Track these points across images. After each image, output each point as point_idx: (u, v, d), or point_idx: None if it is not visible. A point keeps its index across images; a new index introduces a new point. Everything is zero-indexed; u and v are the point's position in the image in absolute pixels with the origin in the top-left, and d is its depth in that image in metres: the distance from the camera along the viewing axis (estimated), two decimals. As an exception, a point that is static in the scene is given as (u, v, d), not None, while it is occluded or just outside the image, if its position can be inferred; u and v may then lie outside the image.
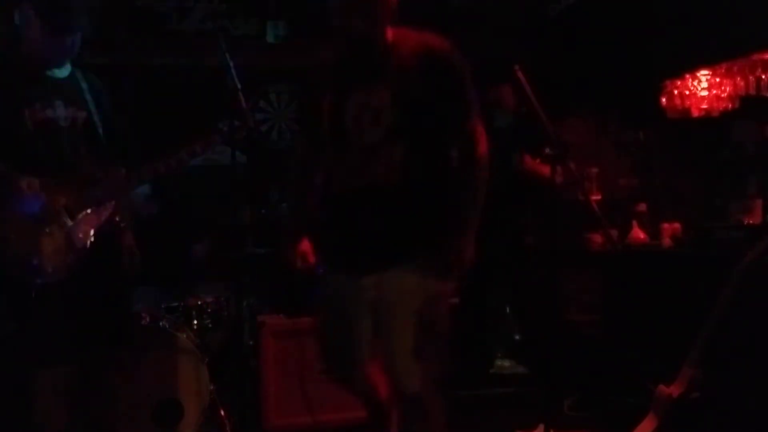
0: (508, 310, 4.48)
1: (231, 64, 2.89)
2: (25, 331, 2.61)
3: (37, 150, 2.61)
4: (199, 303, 3.76)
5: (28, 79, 2.66)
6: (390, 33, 2.33)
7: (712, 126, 4.77)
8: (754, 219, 4.26)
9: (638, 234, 4.48)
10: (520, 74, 3.05)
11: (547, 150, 3.62)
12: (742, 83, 4.36)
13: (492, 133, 4.02)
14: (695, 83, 4.55)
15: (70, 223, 2.66)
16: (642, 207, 4.70)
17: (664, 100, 4.74)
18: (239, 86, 2.85)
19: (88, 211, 2.70)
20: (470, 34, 5.24)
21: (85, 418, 2.73)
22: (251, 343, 3.68)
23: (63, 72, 2.75)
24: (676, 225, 4.43)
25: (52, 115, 2.65)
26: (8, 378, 2.78)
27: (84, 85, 2.79)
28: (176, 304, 3.70)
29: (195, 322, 3.70)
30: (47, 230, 2.62)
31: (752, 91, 4.34)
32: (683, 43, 3.93)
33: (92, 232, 2.70)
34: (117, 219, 2.81)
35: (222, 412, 3.49)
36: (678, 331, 3.07)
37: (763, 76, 4.26)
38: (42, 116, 2.63)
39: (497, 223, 3.88)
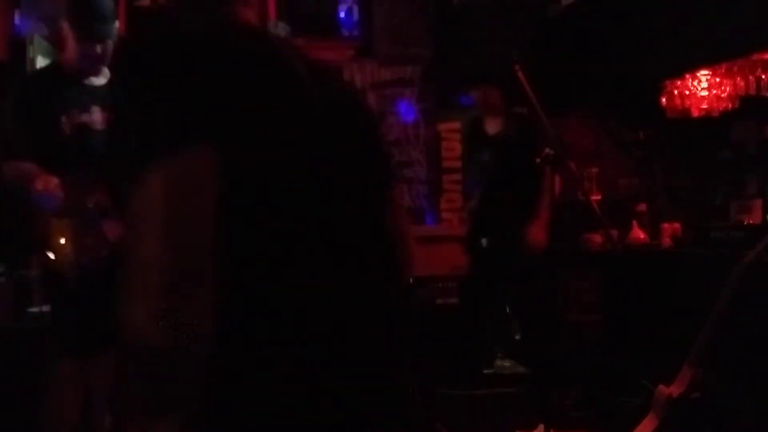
0: (508, 310, 4.48)
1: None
2: (59, 321, 2.79)
3: (73, 152, 2.78)
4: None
5: (66, 88, 2.84)
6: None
7: (712, 126, 4.77)
8: (754, 219, 4.26)
9: (638, 234, 4.48)
10: (520, 74, 3.04)
11: (547, 150, 3.61)
12: (742, 83, 4.36)
13: (485, 143, 4.02)
14: (695, 83, 4.55)
15: (102, 218, 2.80)
16: (642, 207, 4.70)
17: (664, 100, 4.74)
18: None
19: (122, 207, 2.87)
20: (470, 34, 5.25)
21: (89, 416, 2.83)
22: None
23: (101, 80, 2.91)
24: (676, 225, 4.44)
25: (88, 119, 2.83)
26: (33, 367, 2.91)
27: None
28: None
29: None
30: (80, 225, 2.77)
31: (752, 91, 4.34)
32: (683, 43, 3.92)
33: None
34: None
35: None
36: (678, 331, 3.07)
37: (763, 76, 4.26)
38: (78, 121, 2.81)
39: (495, 228, 3.87)
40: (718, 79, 4.48)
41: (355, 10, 5.35)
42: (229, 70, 0.99)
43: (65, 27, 2.82)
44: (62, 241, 2.75)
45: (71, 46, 2.84)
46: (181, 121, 0.95)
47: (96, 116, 2.85)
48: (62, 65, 2.92)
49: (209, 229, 0.91)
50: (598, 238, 4.52)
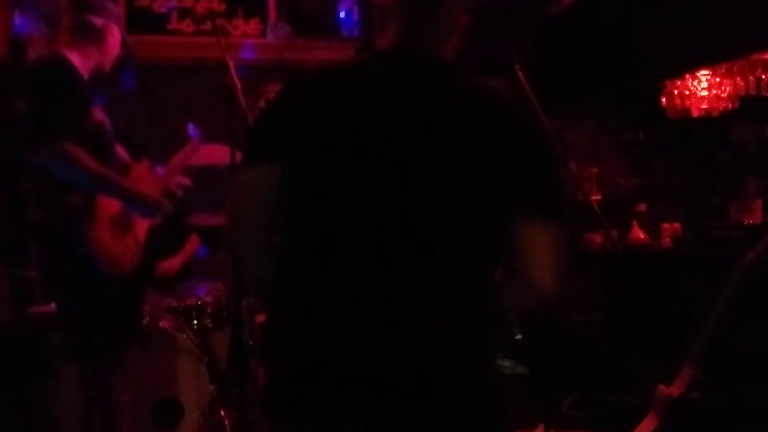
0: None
1: (231, 64, 2.90)
2: (84, 321, 2.70)
3: (100, 148, 2.68)
4: (199, 303, 3.76)
5: (85, 83, 2.76)
6: None
7: (712, 126, 4.77)
8: (753, 219, 4.25)
9: (638, 234, 4.47)
10: (520, 74, 3.05)
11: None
12: (742, 83, 4.36)
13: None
14: (695, 83, 4.55)
15: (135, 221, 2.85)
16: (642, 207, 4.69)
17: (664, 100, 4.74)
18: (239, 86, 2.87)
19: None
20: (470, 34, 5.25)
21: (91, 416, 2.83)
22: (251, 343, 3.68)
23: None
24: (676, 225, 4.43)
25: (101, 117, 2.76)
26: (32, 367, 3.00)
27: None
28: (176, 304, 3.70)
29: (195, 322, 3.70)
30: (127, 226, 2.80)
31: (752, 91, 4.34)
32: (683, 43, 3.92)
33: (146, 231, 2.92)
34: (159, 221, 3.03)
35: (222, 412, 3.49)
36: (678, 331, 3.07)
37: (763, 76, 4.26)
38: (100, 116, 2.74)
39: None
40: (718, 79, 4.48)
41: (355, 10, 5.35)
42: (298, 106, 1.46)
43: (111, 26, 2.80)
44: (114, 240, 2.71)
45: (116, 45, 2.83)
46: (259, 140, 1.52)
47: (102, 116, 2.79)
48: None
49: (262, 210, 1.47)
50: (598, 238, 4.51)
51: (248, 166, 1.51)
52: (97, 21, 2.76)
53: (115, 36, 2.83)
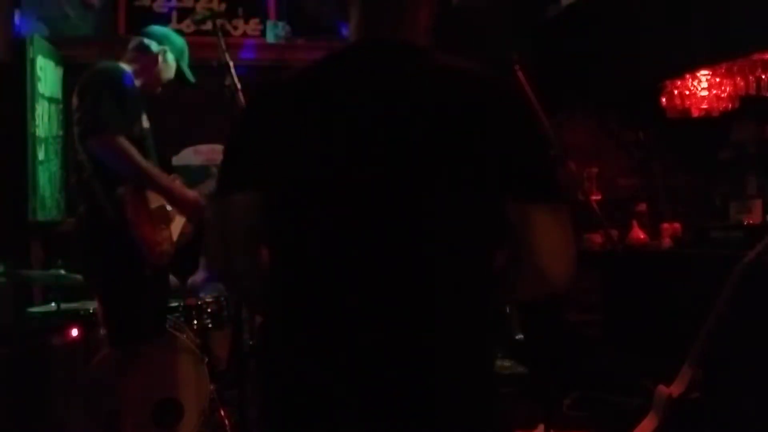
0: (508, 310, 4.48)
1: (231, 64, 2.91)
2: (142, 304, 2.93)
3: (146, 153, 2.91)
4: (199, 303, 3.76)
5: (138, 93, 3.04)
6: None
7: (712, 126, 4.77)
8: (753, 219, 4.26)
9: (638, 234, 4.48)
10: (520, 74, 3.04)
11: (547, 150, 3.61)
12: (742, 83, 4.36)
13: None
14: (695, 83, 4.55)
15: (172, 221, 3.07)
16: (642, 207, 4.70)
17: (664, 100, 4.73)
18: (239, 86, 2.87)
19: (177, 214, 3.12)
20: (470, 34, 5.25)
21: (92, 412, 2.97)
22: (251, 343, 3.68)
23: None
24: (676, 225, 4.44)
25: (147, 125, 3.04)
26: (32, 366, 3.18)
27: None
28: (176, 304, 3.70)
29: (195, 322, 3.69)
30: (166, 222, 3.02)
31: (752, 91, 4.34)
32: (683, 43, 3.92)
33: (179, 233, 3.12)
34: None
35: (222, 412, 3.49)
36: (678, 331, 3.07)
37: (763, 76, 4.26)
38: (146, 124, 3.02)
39: None
40: (718, 79, 4.48)
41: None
42: (264, 125, 1.38)
43: (171, 59, 3.13)
44: (159, 233, 2.93)
45: (164, 72, 3.14)
46: (232, 170, 1.41)
47: (148, 125, 3.05)
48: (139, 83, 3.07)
49: (240, 235, 1.40)
50: (598, 238, 4.51)
51: (223, 197, 1.41)
52: (154, 47, 3.09)
53: (169, 64, 3.14)
